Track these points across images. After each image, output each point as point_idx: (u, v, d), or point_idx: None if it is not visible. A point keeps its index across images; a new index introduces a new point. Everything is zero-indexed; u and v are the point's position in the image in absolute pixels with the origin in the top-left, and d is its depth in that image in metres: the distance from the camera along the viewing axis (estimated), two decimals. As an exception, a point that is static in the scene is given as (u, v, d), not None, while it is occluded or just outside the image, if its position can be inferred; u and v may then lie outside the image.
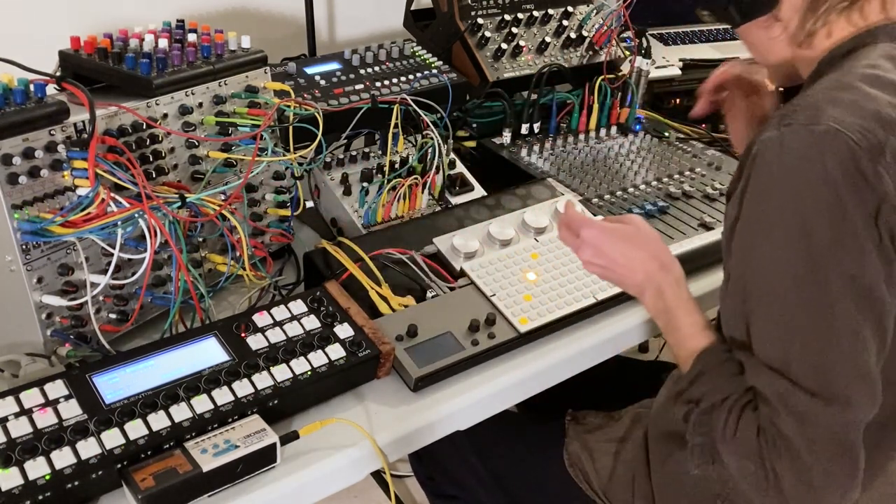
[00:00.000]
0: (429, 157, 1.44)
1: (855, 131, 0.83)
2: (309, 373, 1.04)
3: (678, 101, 1.96)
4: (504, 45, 1.73)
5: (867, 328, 0.86)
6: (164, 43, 1.17)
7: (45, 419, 0.92)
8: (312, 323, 1.11)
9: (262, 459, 0.95)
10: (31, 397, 0.94)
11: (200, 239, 1.21)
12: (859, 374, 0.86)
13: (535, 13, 1.80)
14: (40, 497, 0.86)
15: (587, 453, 1.25)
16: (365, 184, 1.41)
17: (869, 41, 0.95)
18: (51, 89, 1.04)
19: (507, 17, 1.77)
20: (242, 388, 1.00)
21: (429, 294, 1.23)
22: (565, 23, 1.83)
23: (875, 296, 0.86)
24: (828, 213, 0.84)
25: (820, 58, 0.99)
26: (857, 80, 0.90)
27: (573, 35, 1.81)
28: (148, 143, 1.11)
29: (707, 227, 1.41)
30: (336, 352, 1.07)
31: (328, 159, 1.43)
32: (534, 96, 1.69)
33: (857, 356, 0.86)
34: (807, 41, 0.99)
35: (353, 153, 1.47)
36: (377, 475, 2.04)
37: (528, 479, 1.32)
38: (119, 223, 1.01)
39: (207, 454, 0.92)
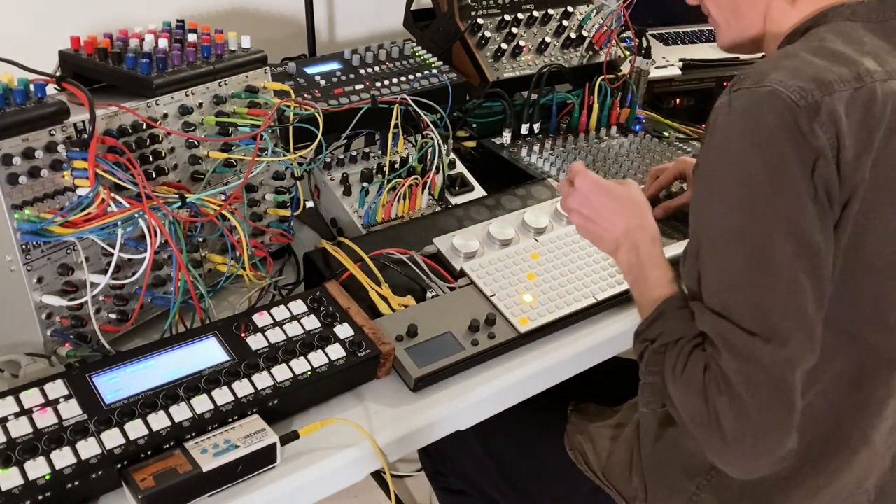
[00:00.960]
0: (429, 157, 1.44)
1: (794, 91, 0.89)
2: (309, 373, 1.04)
3: (678, 101, 1.96)
4: (504, 45, 1.73)
5: (804, 274, 0.90)
6: (164, 43, 1.17)
7: (45, 419, 0.92)
8: (312, 323, 1.11)
9: (262, 459, 0.95)
10: (31, 397, 0.94)
11: (200, 239, 1.21)
12: (797, 316, 0.90)
13: (535, 13, 1.80)
14: (40, 497, 0.86)
15: (587, 437, 1.27)
16: (365, 184, 1.41)
17: (822, 21, 1.02)
18: (51, 89, 1.04)
19: (507, 17, 1.77)
20: (242, 388, 1.00)
21: (429, 294, 1.23)
22: (565, 23, 1.83)
23: (812, 243, 0.90)
24: (768, 165, 0.89)
25: (785, 34, 1.06)
26: (801, 50, 0.96)
27: (573, 35, 1.81)
28: (148, 143, 1.11)
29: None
30: (336, 352, 1.07)
31: (328, 159, 1.43)
32: (534, 96, 1.69)
33: (794, 299, 0.90)
34: (781, 16, 1.05)
35: (353, 153, 1.47)
36: (377, 475, 2.04)
37: (530, 465, 1.35)
38: (119, 223, 1.01)
39: (207, 454, 0.92)
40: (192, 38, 1.21)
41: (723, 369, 0.90)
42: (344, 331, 1.10)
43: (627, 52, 1.84)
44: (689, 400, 0.94)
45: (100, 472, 0.89)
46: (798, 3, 1.04)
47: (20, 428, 0.91)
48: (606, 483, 1.25)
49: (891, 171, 0.93)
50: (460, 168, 1.53)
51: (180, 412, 0.96)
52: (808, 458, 1.05)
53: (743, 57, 1.92)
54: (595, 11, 1.85)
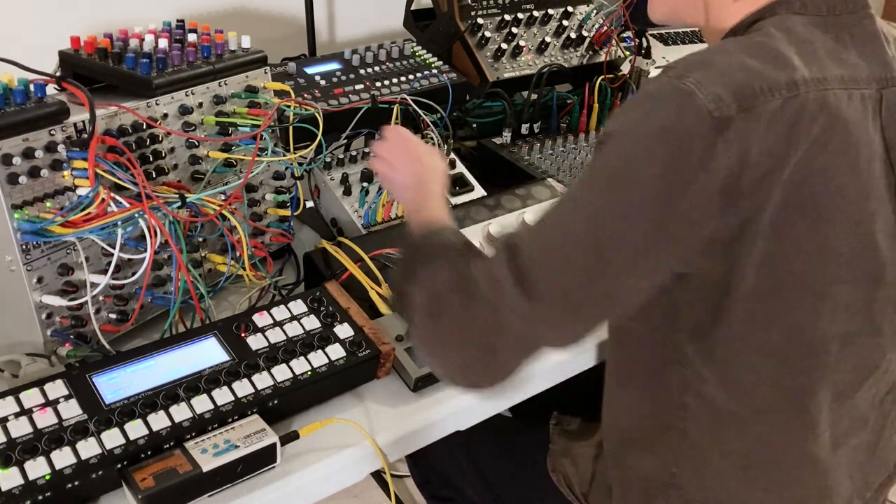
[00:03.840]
0: (429, 157, 1.44)
1: (710, 99, 0.82)
2: (309, 373, 1.04)
3: (678, 101, 1.96)
4: (504, 45, 1.73)
5: (626, 273, 0.85)
6: (164, 43, 1.17)
7: (45, 419, 0.92)
8: (312, 323, 1.11)
9: (262, 459, 0.95)
10: (31, 397, 0.94)
11: (200, 239, 1.21)
12: (571, 295, 0.86)
13: (535, 13, 1.80)
14: (40, 497, 0.86)
15: (570, 459, 1.25)
16: (365, 184, 1.41)
17: (769, 13, 0.94)
18: (51, 89, 1.04)
19: (507, 17, 1.77)
20: (242, 388, 1.00)
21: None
22: (565, 23, 1.83)
23: (654, 249, 0.85)
24: (650, 156, 0.83)
25: (728, 29, 0.99)
26: (739, 48, 0.89)
27: (573, 35, 1.81)
28: (148, 143, 1.11)
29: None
30: (336, 352, 1.07)
31: (328, 159, 1.43)
32: (534, 96, 1.69)
33: (590, 282, 0.85)
34: (722, 13, 0.99)
35: (353, 153, 1.47)
36: (377, 475, 2.04)
37: (515, 485, 1.32)
38: (119, 223, 1.01)
39: (207, 454, 0.92)
40: (192, 38, 1.21)
41: (476, 277, 0.88)
42: (344, 331, 1.10)
43: (627, 52, 1.85)
44: (432, 283, 0.93)
45: (100, 472, 0.89)
46: (740, 1, 0.97)
47: (20, 428, 0.91)
48: None
49: (809, 189, 0.85)
50: (460, 168, 1.53)
51: (180, 412, 0.96)
52: (753, 476, 1.02)
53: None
54: (595, 11, 1.85)
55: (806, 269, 0.89)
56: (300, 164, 1.32)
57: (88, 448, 0.90)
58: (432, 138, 1.42)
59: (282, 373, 1.03)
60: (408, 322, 1.02)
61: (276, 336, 1.08)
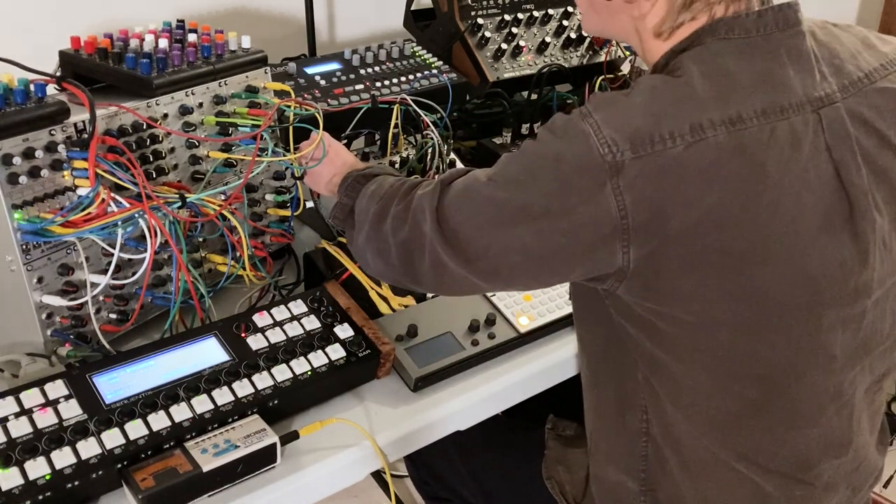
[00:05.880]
0: (429, 157, 1.44)
1: (604, 143, 0.84)
2: (309, 373, 1.04)
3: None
4: (504, 45, 1.73)
5: (504, 234, 0.90)
6: (164, 43, 1.17)
7: (45, 419, 0.92)
8: (312, 323, 1.11)
9: (262, 459, 0.95)
10: (31, 397, 0.94)
11: (200, 239, 1.21)
12: (472, 240, 0.92)
13: (535, 13, 1.80)
14: (40, 497, 0.86)
15: (564, 465, 1.25)
16: (365, 184, 1.41)
17: (696, 43, 0.92)
18: (51, 89, 1.04)
19: (507, 17, 1.77)
20: (242, 388, 1.00)
21: (429, 294, 1.23)
22: (565, 23, 1.83)
23: (522, 236, 0.90)
24: (540, 175, 0.88)
25: (654, 63, 0.97)
26: (650, 85, 0.88)
27: (573, 35, 1.81)
28: (148, 143, 1.11)
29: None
30: (336, 352, 1.07)
31: (328, 159, 1.43)
32: (534, 96, 1.69)
33: (482, 229, 0.92)
34: (653, 48, 0.96)
35: (353, 153, 1.46)
36: (377, 475, 2.04)
37: (510, 489, 1.32)
38: (119, 223, 1.01)
39: (207, 454, 0.92)
40: (192, 38, 1.21)
41: (412, 193, 0.99)
42: (344, 331, 1.10)
43: (627, 52, 1.84)
44: (383, 190, 1.04)
45: (100, 472, 0.89)
46: (667, 36, 0.94)
47: (20, 428, 0.91)
48: None
49: (728, 232, 0.84)
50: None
51: (180, 412, 0.96)
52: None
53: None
54: (595, 11, 1.85)
55: (734, 307, 0.88)
56: (300, 165, 1.32)
57: (88, 448, 0.90)
58: (432, 138, 1.42)
59: (282, 373, 1.03)
60: (352, 230, 1.10)
61: (276, 336, 1.08)
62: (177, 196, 1.07)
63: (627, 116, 0.85)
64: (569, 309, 1.23)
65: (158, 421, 0.94)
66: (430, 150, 1.43)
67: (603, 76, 1.73)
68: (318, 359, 1.06)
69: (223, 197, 1.16)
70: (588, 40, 1.82)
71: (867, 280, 0.92)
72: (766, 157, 0.84)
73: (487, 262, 0.93)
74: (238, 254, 1.19)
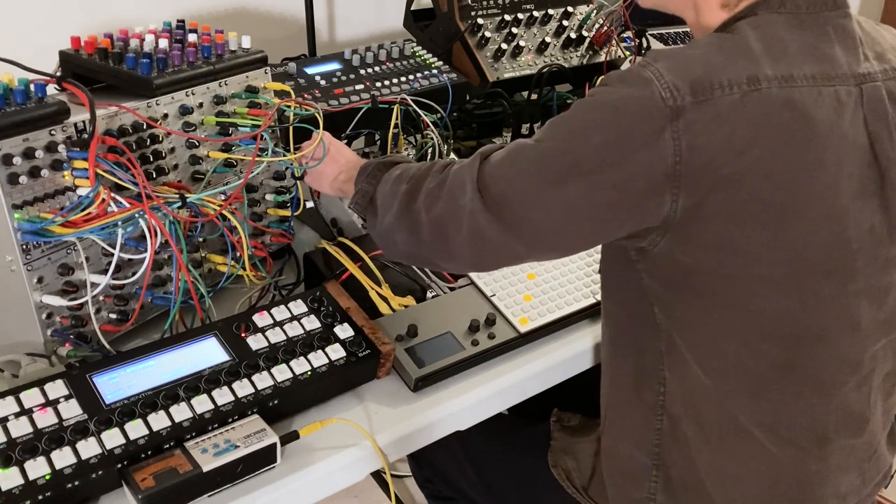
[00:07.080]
0: (429, 157, 1.44)
1: (666, 88, 0.87)
2: (309, 373, 1.04)
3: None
4: (504, 46, 1.73)
5: (550, 194, 0.92)
6: (164, 43, 1.17)
7: (46, 419, 0.92)
8: (312, 323, 1.11)
9: (262, 459, 0.95)
10: (31, 397, 0.94)
11: (200, 239, 1.21)
12: (515, 204, 0.93)
13: (535, 13, 1.80)
14: (40, 497, 0.86)
15: (570, 454, 1.25)
16: (365, 184, 1.41)
17: (750, 14, 0.96)
18: (51, 89, 1.04)
19: (507, 17, 1.77)
20: (242, 388, 1.00)
21: (429, 294, 1.23)
22: (565, 23, 1.83)
23: (572, 193, 0.91)
24: (596, 125, 0.90)
25: (713, 29, 1.00)
26: (710, 42, 0.93)
27: (573, 35, 1.81)
28: (148, 143, 1.11)
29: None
30: (336, 352, 1.07)
31: (328, 159, 1.43)
32: (534, 96, 1.69)
33: (527, 192, 0.93)
34: (711, 17, 1.00)
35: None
36: (377, 475, 2.04)
37: (515, 483, 1.32)
38: (119, 223, 1.01)
39: (207, 454, 0.92)
40: (192, 38, 1.21)
41: (448, 170, 1.00)
42: (344, 331, 1.10)
43: (627, 52, 1.84)
44: (409, 173, 1.05)
45: (100, 472, 0.89)
46: (734, 7, 0.98)
47: (20, 428, 0.91)
48: (590, 501, 1.23)
49: (772, 183, 0.87)
50: (460, 168, 1.53)
51: (180, 412, 0.96)
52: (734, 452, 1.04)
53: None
54: (595, 11, 1.85)
55: (771, 261, 0.91)
56: (300, 165, 1.32)
57: (88, 448, 0.90)
58: (432, 138, 1.42)
59: (282, 373, 1.03)
60: (374, 217, 1.10)
61: (276, 336, 1.08)
62: (177, 196, 1.07)
63: (688, 65, 0.89)
64: (569, 309, 1.23)
65: (158, 421, 0.94)
66: (430, 151, 1.43)
67: (603, 76, 1.73)
68: (318, 359, 1.06)
69: (223, 197, 1.16)
70: (588, 40, 1.82)
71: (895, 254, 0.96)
72: (814, 114, 0.88)
73: (531, 226, 0.94)
74: (238, 254, 1.19)
